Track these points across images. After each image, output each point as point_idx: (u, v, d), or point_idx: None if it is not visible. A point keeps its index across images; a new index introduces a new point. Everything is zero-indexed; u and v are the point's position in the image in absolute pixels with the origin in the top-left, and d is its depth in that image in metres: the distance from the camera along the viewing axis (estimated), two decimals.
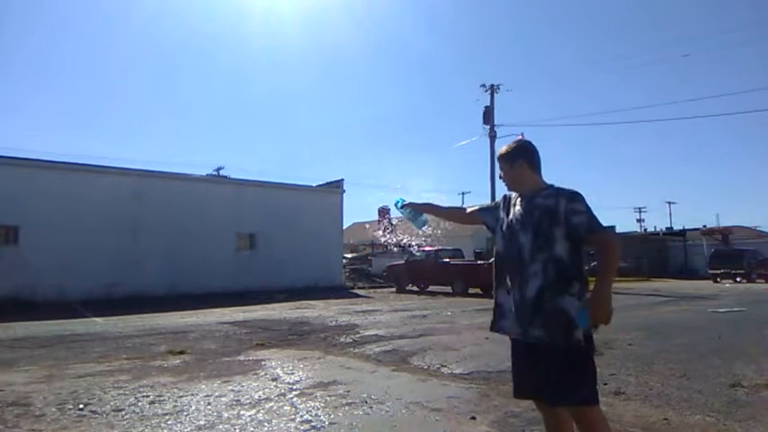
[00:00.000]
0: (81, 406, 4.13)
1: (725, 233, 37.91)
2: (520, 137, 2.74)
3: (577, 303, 2.18)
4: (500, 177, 2.50)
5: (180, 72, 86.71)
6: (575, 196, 2.24)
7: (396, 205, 2.87)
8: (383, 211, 44.83)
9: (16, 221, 15.24)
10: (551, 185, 2.37)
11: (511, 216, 2.40)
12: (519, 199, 2.42)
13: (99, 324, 9.92)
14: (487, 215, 2.60)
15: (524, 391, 2.37)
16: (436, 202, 2.88)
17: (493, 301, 2.50)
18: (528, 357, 2.29)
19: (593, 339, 2.26)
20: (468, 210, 2.80)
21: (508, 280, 2.36)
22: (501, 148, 2.55)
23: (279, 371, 5.52)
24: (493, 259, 2.56)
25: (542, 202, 2.28)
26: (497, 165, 2.52)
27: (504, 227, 2.41)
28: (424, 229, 2.82)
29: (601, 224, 2.24)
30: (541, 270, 2.21)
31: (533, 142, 2.50)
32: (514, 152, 2.44)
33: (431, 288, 19.49)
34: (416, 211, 2.82)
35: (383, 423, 3.75)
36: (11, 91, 70.13)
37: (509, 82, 73.42)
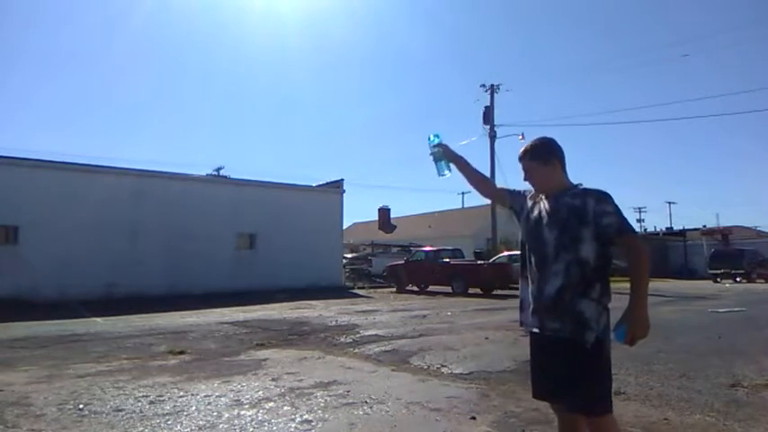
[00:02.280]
0: (81, 406, 4.13)
1: (725, 233, 37.89)
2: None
3: (596, 308, 2.16)
4: (525, 178, 2.38)
5: (180, 72, 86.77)
6: (603, 196, 2.18)
7: (429, 140, 2.66)
8: (383, 211, 44.93)
9: (16, 221, 15.25)
10: (578, 185, 2.31)
11: (537, 212, 2.33)
12: (545, 197, 2.35)
13: (99, 324, 9.92)
14: (516, 199, 2.50)
15: (542, 392, 2.35)
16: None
17: (519, 298, 2.49)
18: (547, 357, 2.27)
19: (608, 348, 2.22)
20: (498, 186, 2.73)
21: (530, 273, 2.34)
22: (526, 145, 2.41)
23: (279, 371, 5.52)
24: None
25: (570, 202, 2.22)
26: (522, 163, 2.39)
27: (532, 221, 2.34)
28: (443, 175, 2.64)
29: (631, 226, 2.19)
30: (563, 270, 2.17)
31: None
32: (547, 150, 2.36)
33: (431, 288, 19.48)
34: (444, 156, 2.65)
35: (383, 423, 3.75)
36: (11, 91, 70.15)
37: (509, 82, 73.45)
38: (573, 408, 2.21)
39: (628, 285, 2.16)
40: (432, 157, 2.65)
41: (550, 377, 2.25)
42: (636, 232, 2.25)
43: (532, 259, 2.32)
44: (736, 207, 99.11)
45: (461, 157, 2.67)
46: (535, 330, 2.31)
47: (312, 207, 21.68)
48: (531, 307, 2.31)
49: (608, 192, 2.22)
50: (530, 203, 2.41)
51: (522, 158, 2.40)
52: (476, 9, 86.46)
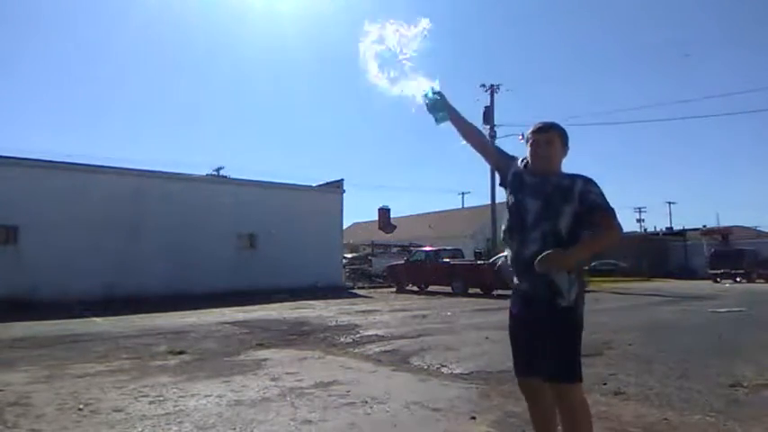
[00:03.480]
0: (81, 406, 4.13)
1: (725, 233, 37.89)
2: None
3: (567, 277, 2.26)
4: (538, 150, 2.39)
5: (180, 72, 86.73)
6: (592, 181, 2.33)
7: (425, 93, 2.63)
8: (383, 211, 44.93)
9: (16, 221, 15.24)
10: (567, 173, 2.43)
11: (524, 180, 2.42)
12: (530, 174, 2.43)
13: (99, 324, 9.92)
14: (505, 160, 2.57)
15: (521, 367, 2.43)
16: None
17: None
18: (524, 333, 2.38)
19: (581, 316, 2.33)
20: (493, 145, 2.82)
21: (511, 239, 2.43)
22: (551, 122, 2.46)
23: (279, 371, 5.52)
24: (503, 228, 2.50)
25: (557, 180, 2.34)
26: (544, 134, 2.41)
27: (516, 188, 2.43)
28: (441, 125, 2.61)
29: (614, 210, 2.29)
30: (540, 238, 2.27)
31: None
32: (564, 133, 2.45)
33: (431, 288, 19.49)
34: (443, 106, 2.61)
35: (383, 423, 3.75)
36: (11, 91, 70.17)
37: (509, 82, 73.49)
38: (547, 372, 2.27)
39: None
40: (429, 105, 2.63)
41: (527, 346, 2.37)
42: (616, 216, 2.30)
43: (515, 227, 2.40)
44: (736, 207, 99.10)
45: (455, 109, 2.66)
46: (516, 312, 2.44)
47: (312, 207, 21.67)
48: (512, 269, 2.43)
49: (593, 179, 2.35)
50: (519, 170, 2.48)
51: (546, 130, 2.41)
52: (476, 9, 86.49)
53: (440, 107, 2.62)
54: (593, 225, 2.29)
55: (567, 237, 2.27)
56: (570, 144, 2.47)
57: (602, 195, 2.29)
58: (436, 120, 2.64)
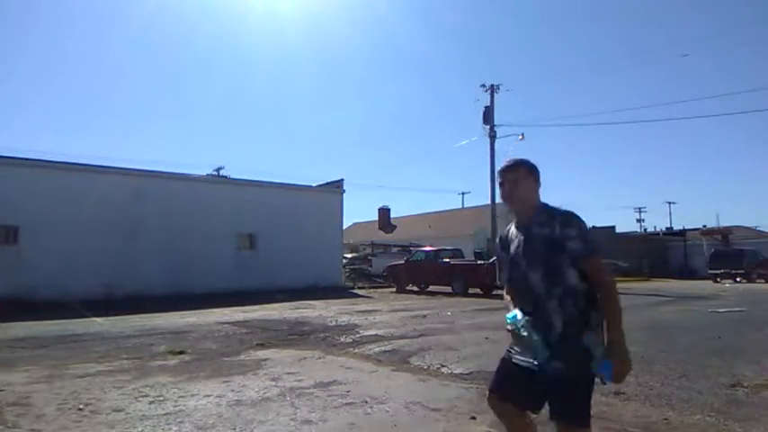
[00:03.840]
0: (81, 406, 4.13)
1: (725, 233, 37.91)
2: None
3: (596, 337, 2.12)
4: (508, 191, 2.27)
5: (180, 72, 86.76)
6: (567, 219, 2.15)
7: (513, 320, 2.21)
8: (383, 211, 44.95)
9: (16, 221, 15.24)
10: (545, 205, 2.28)
11: (512, 251, 2.30)
12: (516, 231, 2.32)
13: (99, 324, 9.92)
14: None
15: (506, 393, 2.29)
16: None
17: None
18: (538, 385, 2.17)
19: None
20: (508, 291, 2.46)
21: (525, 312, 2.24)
22: (512, 159, 2.35)
23: (279, 371, 5.52)
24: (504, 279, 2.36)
25: (539, 232, 2.19)
26: (509, 173, 2.29)
27: (514, 261, 2.29)
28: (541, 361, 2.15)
29: (594, 248, 2.14)
30: (558, 305, 2.12)
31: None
32: (531, 167, 2.31)
33: (431, 288, 19.48)
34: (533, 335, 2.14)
35: (383, 423, 3.75)
36: (11, 91, 70.18)
37: (509, 82, 73.49)
38: (561, 416, 2.16)
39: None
40: (529, 338, 2.14)
41: (533, 394, 2.20)
42: (600, 254, 2.18)
43: (526, 299, 2.22)
44: (736, 207, 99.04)
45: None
46: (522, 362, 2.22)
47: (312, 207, 21.67)
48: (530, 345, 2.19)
49: (573, 212, 2.19)
50: (503, 233, 2.42)
51: (511, 168, 2.30)
52: (476, 9, 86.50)
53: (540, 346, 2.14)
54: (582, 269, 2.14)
55: (583, 286, 2.13)
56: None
57: (582, 236, 2.12)
58: (540, 355, 2.14)
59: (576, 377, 2.10)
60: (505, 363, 2.32)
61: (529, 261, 2.19)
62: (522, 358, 2.21)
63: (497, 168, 2.40)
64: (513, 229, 2.35)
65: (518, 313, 2.19)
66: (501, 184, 2.31)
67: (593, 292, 2.13)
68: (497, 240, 2.48)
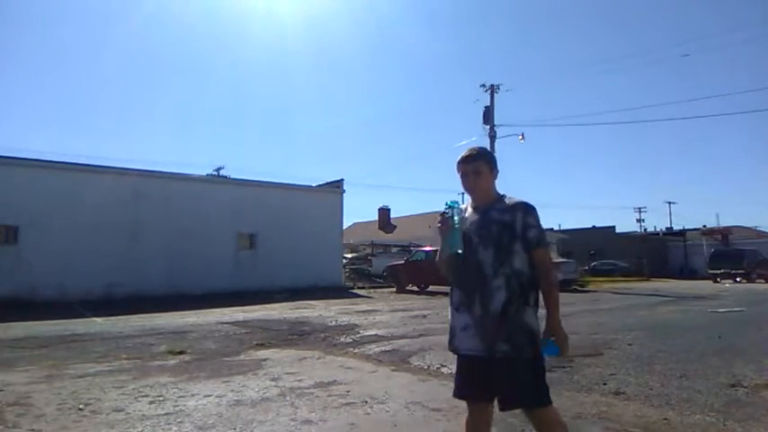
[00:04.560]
0: (81, 406, 4.13)
1: (725, 233, 37.95)
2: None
3: (534, 313, 2.26)
4: (471, 181, 2.34)
5: (180, 72, 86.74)
6: (531, 210, 2.29)
7: (450, 206, 2.32)
8: (383, 211, 44.89)
9: (16, 221, 15.24)
10: (503, 196, 2.38)
11: (468, 219, 2.35)
12: (471, 211, 2.38)
13: (99, 324, 9.92)
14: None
15: (476, 395, 2.32)
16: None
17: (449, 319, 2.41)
18: (485, 371, 2.24)
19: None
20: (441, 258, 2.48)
21: (462, 296, 2.32)
22: (475, 148, 2.41)
23: (279, 371, 5.52)
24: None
25: (499, 217, 2.28)
26: (471, 165, 2.36)
27: (463, 236, 2.32)
28: (453, 252, 2.29)
29: (547, 240, 2.35)
30: (505, 284, 2.22)
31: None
32: (491, 157, 2.41)
33: (431, 288, 19.47)
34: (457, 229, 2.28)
35: (383, 423, 3.75)
36: (11, 91, 70.16)
37: (509, 82, 73.46)
38: (525, 402, 2.26)
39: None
40: (456, 226, 2.28)
41: (494, 386, 2.26)
42: (548, 247, 2.37)
43: (470, 282, 2.29)
44: (736, 207, 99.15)
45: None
46: (475, 354, 2.26)
47: (312, 207, 21.67)
48: (473, 329, 2.26)
49: (530, 203, 2.33)
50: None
51: (472, 160, 2.37)
52: (476, 9, 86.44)
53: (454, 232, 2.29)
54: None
55: (528, 270, 2.25)
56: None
57: (540, 227, 2.28)
58: (456, 245, 2.28)
59: (522, 357, 2.19)
60: (460, 363, 2.37)
61: (481, 239, 2.28)
62: (470, 347, 2.28)
63: (457, 159, 2.41)
64: (469, 209, 2.41)
65: (458, 203, 2.35)
66: (464, 175, 2.38)
67: (534, 277, 2.28)
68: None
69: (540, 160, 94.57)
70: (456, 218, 2.27)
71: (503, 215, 2.28)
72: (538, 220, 2.29)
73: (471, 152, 2.39)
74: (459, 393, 2.36)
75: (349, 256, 29.46)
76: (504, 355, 2.19)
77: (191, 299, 15.07)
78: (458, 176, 2.42)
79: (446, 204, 2.31)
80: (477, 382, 2.28)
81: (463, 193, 2.49)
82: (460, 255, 2.27)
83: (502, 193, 2.40)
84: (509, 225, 2.25)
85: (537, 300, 2.29)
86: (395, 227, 43.99)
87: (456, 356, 2.39)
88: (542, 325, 2.28)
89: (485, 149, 2.46)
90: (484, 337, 2.22)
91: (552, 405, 2.29)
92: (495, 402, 2.33)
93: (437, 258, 2.46)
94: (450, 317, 2.39)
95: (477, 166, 2.35)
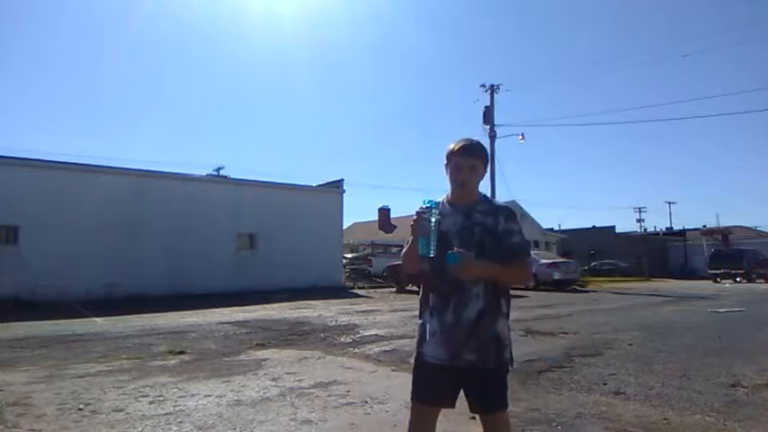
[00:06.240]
0: (81, 406, 4.13)
1: (725, 233, 37.92)
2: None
3: (506, 322, 2.19)
4: (462, 175, 2.19)
5: (180, 72, 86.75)
6: (512, 215, 2.21)
7: (431, 205, 2.13)
8: (383, 211, 44.87)
9: (16, 221, 15.22)
10: (485, 197, 2.29)
11: (446, 232, 2.17)
12: (450, 209, 2.22)
13: (99, 324, 9.91)
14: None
15: (435, 402, 2.25)
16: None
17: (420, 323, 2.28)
18: (446, 379, 2.16)
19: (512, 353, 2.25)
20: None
21: (436, 301, 2.19)
22: (473, 141, 2.24)
23: (279, 371, 5.52)
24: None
25: (482, 220, 2.17)
26: (469, 159, 2.20)
27: (442, 244, 2.14)
28: (425, 254, 2.13)
29: (529, 248, 2.29)
30: (483, 291, 2.12)
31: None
32: (487, 155, 2.28)
33: None
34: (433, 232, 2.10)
35: (383, 423, 3.76)
36: (10, 91, 70.15)
37: (509, 82, 73.49)
38: (486, 406, 2.18)
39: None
40: (433, 228, 2.09)
41: (454, 392, 2.20)
42: (530, 254, 2.31)
43: (444, 286, 2.16)
44: (736, 207, 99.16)
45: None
46: (438, 362, 2.17)
47: (312, 207, 21.66)
48: (439, 336, 2.15)
49: (511, 207, 2.28)
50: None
51: (471, 154, 2.21)
52: (476, 9, 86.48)
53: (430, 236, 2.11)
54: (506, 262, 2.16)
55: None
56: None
57: (522, 234, 2.20)
58: (429, 249, 2.11)
59: (488, 367, 2.13)
60: (420, 368, 2.25)
61: (463, 242, 2.14)
62: (434, 356, 2.17)
63: (450, 147, 2.23)
64: (446, 206, 2.25)
65: (436, 202, 2.16)
66: (458, 167, 2.20)
67: (508, 285, 2.24)
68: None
69: (541, 160, 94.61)
70: (434, 219, 2.10)
71: (486, 218, 2.17)
72: (519, 226, 2.22)
73: (471, 144, 2.23)
74: (417, 397, 2.26)
75: (349, 256, 29.46)
76: (468, 366, 2.11)
77: (191, 299, 15.06)
78: (445, 164, 2.25)
79: (423, 202, 2.14)
80: (436, 389, 2.19)
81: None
82: (433, 258, 2.13)
83: (483, 193, 2.30)
84: (491, 229, 2.15)
85: (509, 308, 2.22)
86: (395, 227, 43.88)
87: (415, 360, 2.27)
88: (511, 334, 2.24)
89: (482, 145, 2.28)
90: (449, 346, 2.13)
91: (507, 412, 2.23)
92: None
93: (403, 252, 2.32)
94: (420, 320, 2.26)
95: (475, 163, 2.20)
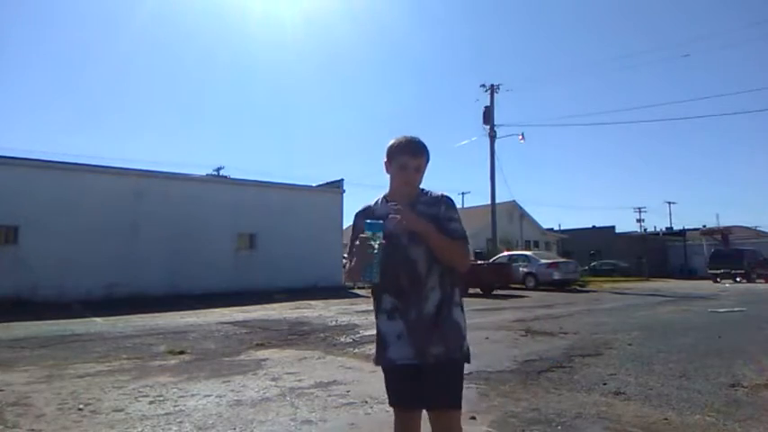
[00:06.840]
0: (81, 406, 4.13)
1: (725, 233, 37.88)
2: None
3: (462, 312, 2.18)
4: (408, 176, 2.15)
5: (180, 72, 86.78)
6: (452, 203, 2.20)
7: (376, 231, 2.02)
8: None
9: (16, 221, 15.23)
10: (423, 189, 2.23)
11: (392, 229, 2.10)
12: (390, 207, 2.16)
13: (99, 324, 9.92)
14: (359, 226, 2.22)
15: (409, 403, 2.21)
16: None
17: (377, 329, 2.23)
18: (416, 378, 2.13)
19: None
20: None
21: (394, 302, 2.15)
22: (416, 139, 2.19)
23: (279, 371, 5.52)
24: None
25: (426, 210, 2.14)
26: (415, 160, 2.15)
27: (389, 243, 2.07)
28: (369, 280, 2.05)
29: (466, 236, 2.22)
30: (439, 283, 2.12)
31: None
32: (429, 154, 2.21)
33: None
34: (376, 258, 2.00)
35: (383, 423, 3.75)
36: (10, 91, 70.16)
37: (509, 82, 73.45)
38: (440, 403, 2.13)
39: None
40: (376, 253, 2.00)
41: (422, 391, 2.15)
42: (468, 242, 2.24)
43: (401, 284, 2.12)
44: (736, 207, 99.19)
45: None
46: (407, 362, 2.13)
47: (312, 207, 21.66)
48: (405, 338, 2.11)
49: (452, 198, 2.25)
50: (371, 207, 2.28)
51: (419, 154, 2.16)
52: (476, 9, 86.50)
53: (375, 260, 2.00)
54: None
55: (456, 269, 2.16)
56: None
57: (460, 220, 2.17)
58: (371, 275, 2.02)
59: (452, 357, 2.11)
60: (390, 373, 2.23)
61: (411, 237, 2.11)
62: (401, 357, 2.13)
63: (394, 144, 2.18)
64: (383, 206, 2.22)
65: (382, 226, 2.03)
66: (403, 166, 2.15)
67: (457, 273, 2.20)
68: (362, 214, 2.25)
69: (540, 160, 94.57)
70: (377, 244, 2.00)
71: (429, 208, 2.14)
72: (458, 213, 2.20)
73: (417, 143, 2.17)
74: (393, 402, 2.24)
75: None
76: (435, 360, 2.09)
77: (191, 299, 15.07)
78: (386, 161, 2.20)
79: (366, 226, 2.03)
80: (410, 389, 2.16)
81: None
82: (376, 284, 2.10)
83: (422, 186, 2.23)
84: (435, 217, 2.11)
85: (461, 297, 2.22)
86: None
87: (383, 368, 2.23)
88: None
89: (424, 143, 2.20)
90: (415, 343, 2.10)
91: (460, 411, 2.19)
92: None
93: (347, 269, 2.21)
94: (378, 326, 2.20)
95: (420, 162, 2.16)
